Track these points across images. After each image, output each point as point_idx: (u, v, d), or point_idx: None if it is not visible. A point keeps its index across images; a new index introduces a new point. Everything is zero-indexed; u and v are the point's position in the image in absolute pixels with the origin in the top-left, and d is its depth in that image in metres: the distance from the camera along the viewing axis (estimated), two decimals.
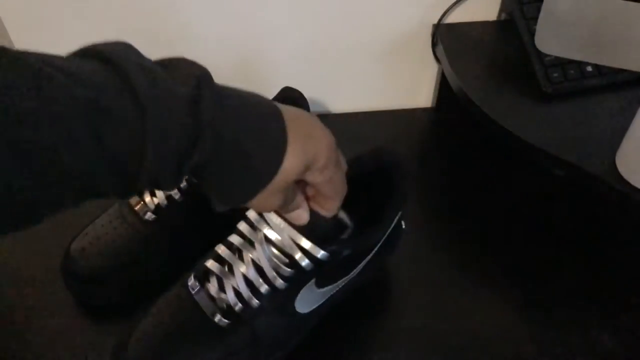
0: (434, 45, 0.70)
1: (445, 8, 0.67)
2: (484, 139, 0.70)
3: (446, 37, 0.67)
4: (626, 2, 0.45)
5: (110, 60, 0.27)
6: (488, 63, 0.63)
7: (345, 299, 0.51)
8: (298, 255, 0.41)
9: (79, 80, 0.25)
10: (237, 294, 0.42)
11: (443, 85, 0.72)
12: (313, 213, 0.40)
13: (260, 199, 0.33)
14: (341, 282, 0.47)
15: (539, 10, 0.53)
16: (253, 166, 0.31)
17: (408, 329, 0.51)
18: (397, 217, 0.49)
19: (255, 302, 0.42)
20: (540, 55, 0.56)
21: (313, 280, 0.43)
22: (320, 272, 0.43)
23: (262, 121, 0.32)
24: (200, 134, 0.28)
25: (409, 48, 0.72)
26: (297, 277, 0.42)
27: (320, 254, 0.41)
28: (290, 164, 0.32)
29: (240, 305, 0.42)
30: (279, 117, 0.32)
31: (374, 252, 0.48)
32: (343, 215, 0.43)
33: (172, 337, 0.42)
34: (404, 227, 0.54)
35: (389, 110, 0.77)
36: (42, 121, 0.23)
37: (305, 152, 0.34)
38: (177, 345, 0.42)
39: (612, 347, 0.49)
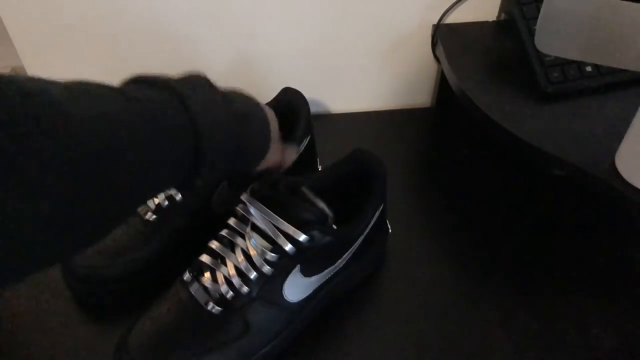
0: (433, 45, 0.70)
1: (445, 8, 0.67)
2: (483, 139, 0.70)
3: (446, 37, 0.67)
4: (626, 2, 0.45)
5: (148, 81, 0.35)
6: (488, 63, 0.63)
7: (339, 298, 0.52)
8: (282, 240, 0.44)
9: (134, 90, 0.32)
10: (229, 282, 0.45)
11: (443, 85, 0.72)
12: (295, 203, 0.45)
13: (274, 151, 0.44)
14: (327, 274, 0.49)
15: (538, 10, 0.53)
16: (261, 130, 0.42)
17: (404, 330, 0.51)
18: (377, 213, 0.51)
19: (245, 289, 0.45)
20: (540, 55, 0.56)
21: (298, 267, 0.46)
22: (303, 257, 0.46)
23: (252, 106, 0.42)
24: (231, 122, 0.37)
25: (409, 48, 0.72)
26: (282, 263, 0.45)
27: (302, 237, 0.44)
28: (272, 120, 0.44)
29: (231, 293, 0.45)
30: (255, 101, 0.43)
31: (357, 245, 0.50)
32: (323, 205, 0.47)
33: (169, 329, 0.45)
34: (390, 230, 0.57)
35: (389, 110, 0.77)
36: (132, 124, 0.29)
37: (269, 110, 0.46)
38: (173, 336, 0.44)
39: (612, 347, 0.49)
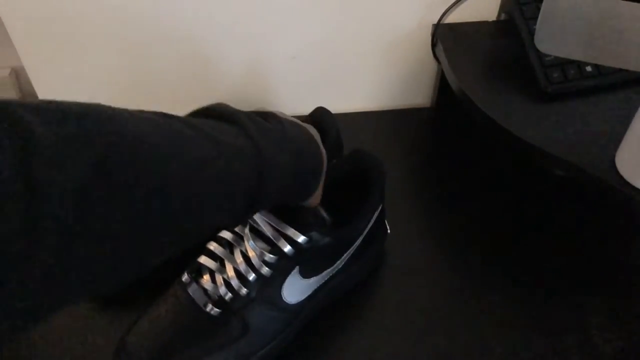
0: (433, 45, 0.70)
1: (445, 8, 0.67)
2: (483, 139, 0.70)
3: (446, 37, 0.67)
4: (626, 2, 0.45)
5: (226, 117, 0.36)
6: (488, 63, 0.63)
7: (338, 299, 0.52)
8: (281, 242, 0.44)
9: (216, 130, 0.34)
10: (228, 284, 0.45)
11: (442, 85, 0.72)
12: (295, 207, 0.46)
13: (318, 191, 0.44)
14: (326, 275, 0.49)
15: (538, 10, 0.53)
16: (315, 172, 0.43)
17: (404, 329, 0.51)
18: (375, 214, 0.51)
19: (244, 291, 0.45)
20: (540, 55, 0.56)
21: (297, 269, 0.46)
22: (302, 259, 0.45)
23: (311, 145, 0.42)
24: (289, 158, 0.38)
25: (409, 48, 0.72)
26: (281, 264, 0.45)
27: (301, 238, 0.44)
28: (326, 164, 0.44)
29: (230, 294, 0.45)
30: (316, 141, 0.43)
31: (355, 247, 0.50)
32: (321, 210, 0.47)
33: (168, 330, 0.44)
34: (388, 230, 0.57)
35: (389, 110, 0.77)
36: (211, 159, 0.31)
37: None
38: (172, 338, 0.44)
39: (612, 347, 0.49)
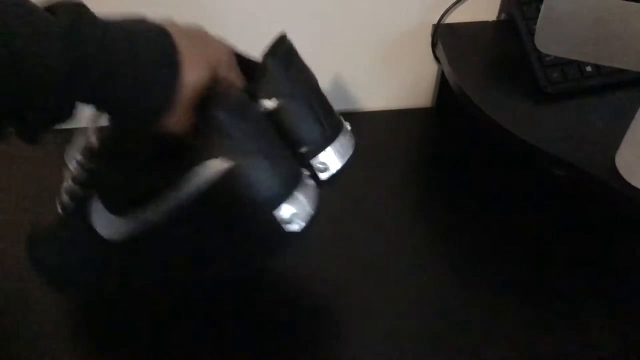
0: (433, 45, 0.70)
1: (445, 8, 0.67)
2: (483, 139, 0.70)
3: (446, 37, 0.67)
4: (626, 2, 0.45)
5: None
6: (488, 63, 0.63)
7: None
8: (72, 163, 0.45)
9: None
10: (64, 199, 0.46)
11: (443, 85, 0.72)
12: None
13: (179, 115, 0.35)
14: (144, 223, 0.42)
15: (538, 10, 0.53)
16: (150, 83, 0.34)
17: (399, 330, 0.51)
18: (209, 170, 0.38)
19: (69, 208, 0.46)
20: (540, 55, 0.56)
21: (100, 202, 0.44)
22: (96, 186, 0.44)
23: (150, 43, 0.35)
24: (80, 61, 0.31)
25: (409, 48, 0.72)
26: (78, 188, 0.45)
27: (80, 162, 0.44)
28: (192, 77, 0.35)
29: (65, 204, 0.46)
30: (166, 38, 0.36)
31: (186, 197, 0.39)
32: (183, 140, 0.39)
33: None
34: (300, 224, 0.41)
35: (389, 110, 0.77)
36: None
37: (206, 60, 0.37)
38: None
39: (612, 348, 0.49)
